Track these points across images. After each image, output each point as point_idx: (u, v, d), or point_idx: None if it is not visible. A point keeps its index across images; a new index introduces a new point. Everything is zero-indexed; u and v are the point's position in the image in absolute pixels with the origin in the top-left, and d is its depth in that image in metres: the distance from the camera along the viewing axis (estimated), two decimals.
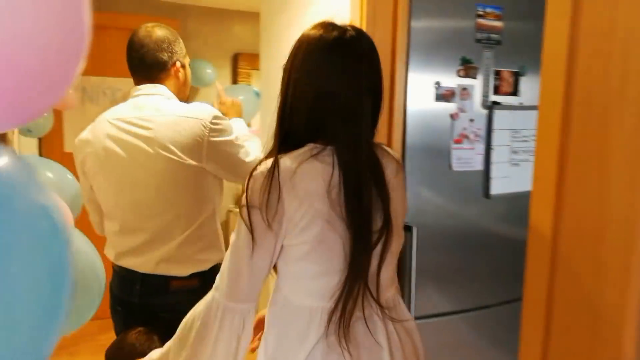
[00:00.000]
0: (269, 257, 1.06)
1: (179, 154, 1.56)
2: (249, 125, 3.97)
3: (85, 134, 1.68)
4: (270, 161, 1.04)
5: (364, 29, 1.74)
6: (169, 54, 1.69)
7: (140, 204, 1.61)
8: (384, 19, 1.83)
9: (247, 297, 1.07)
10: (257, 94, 2.78)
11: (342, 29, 1.08)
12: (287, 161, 1.04)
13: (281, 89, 1.13)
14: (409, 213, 1.77)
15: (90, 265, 1.02)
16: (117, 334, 1.71)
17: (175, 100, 1.70)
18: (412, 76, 1.84)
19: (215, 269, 1.50)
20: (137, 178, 1.59)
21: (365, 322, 1.08)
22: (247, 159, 1.65)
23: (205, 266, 1.65)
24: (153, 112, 1.61)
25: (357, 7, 1.86)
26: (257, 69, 3.09)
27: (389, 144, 1.82)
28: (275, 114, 1.14)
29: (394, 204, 1.09)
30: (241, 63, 4.15)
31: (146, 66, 1.69)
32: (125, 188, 1.61)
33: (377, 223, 1.06)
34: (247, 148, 1.67)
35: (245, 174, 1.07)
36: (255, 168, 1.05)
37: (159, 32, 1.71)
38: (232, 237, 1.07)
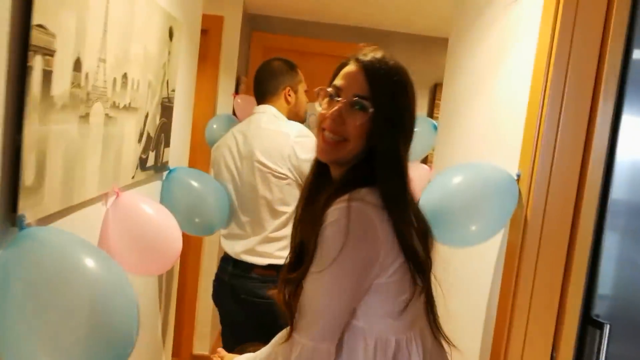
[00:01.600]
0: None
1: (267, 162, 2.04)
2: (427, 162, 3.66)
3: (219, 142, 2.26)
4: (369, 196, 1.04)
5: (554, 52, 1.33)
6: (279, 81, 2.18)
7: (242, 201, 2.10)
8: (585, 43, 1.38)
9: (336, 335, 1.05)
10: (435, 127, 2.46)
11: None
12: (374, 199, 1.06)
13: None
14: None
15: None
16: (215, 304, 2.27)
17: (282, 119, 2.15)
18: (626, 118, 1.36)
19: None
20: (242, 180, 2.10)
21: None
22: None
23: (281, 262, 1.69)
24: (256, 126, 2.11)
25: (548, 30, 1.44)
26: None
27: (579, 197, 1.36)
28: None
29: None
30: (440, 94, 3.84)
31: (261, 90, 2.21)
32: (235, 186, 2.12)
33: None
34: None
35: None
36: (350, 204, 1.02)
37: (275, 63, 2.23)
38: (324, 278, 1.01)
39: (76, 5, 1.07)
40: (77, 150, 1.16)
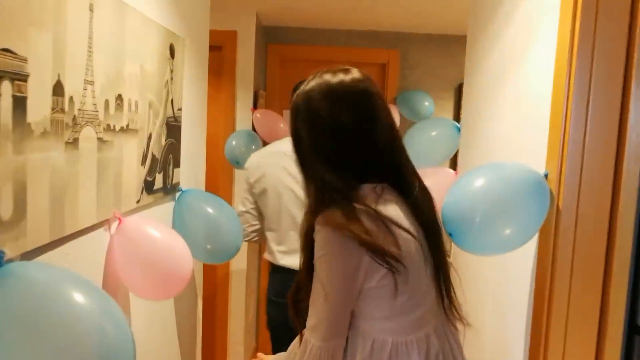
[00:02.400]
0: None
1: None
2: (456, 165, 3.51)
3: (261, 159, 2.32)
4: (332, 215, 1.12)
5: (577, 35, 1.21)
6: None
7: (294, 219, 2.16)
8: (611, 23, 1.25)
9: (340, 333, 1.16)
10: (458, 129, 2.34)
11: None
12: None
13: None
14: None
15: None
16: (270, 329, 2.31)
17: None
18: None
19: None
20: (295, 198, 2.19)
21: None
22: None
23: None
24: None
25: (569, 13, 1.31)
26: None
27: (615, 194, 1.23)
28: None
29: None
30: None
31: None
32: (296, 204, 2.17)
33: None
34: None
35: None
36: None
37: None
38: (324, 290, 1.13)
39: (50, 24, 1.01)
40: (65, 178, 1.10)
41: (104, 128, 1.27)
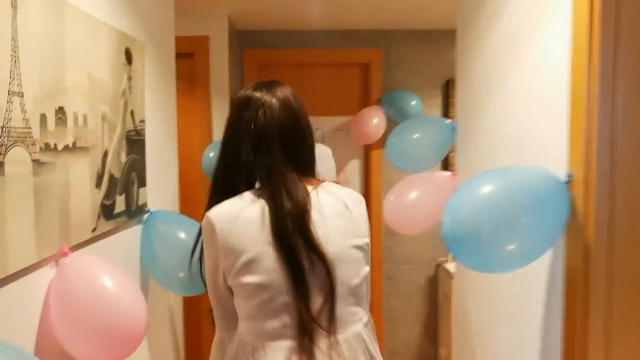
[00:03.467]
0: None
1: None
2: (447, 165, 3.35)
3: None
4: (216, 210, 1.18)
5: (597, 2, 1.02)
6: None
7: None
8: None
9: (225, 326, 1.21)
10: (451, 128, 2.15)
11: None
12: None
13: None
14: None
15: None
16: None
17: None
18: None
19: None
20: None
21: None
22: None
23: None
24: None
25: None
26: None
27: None
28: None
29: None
30: (454, 91, 3.53)
31: None
32: None
33: None
34: None
35: None
36: None
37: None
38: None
39: None
40: None
41: (40, 148, 1.06)
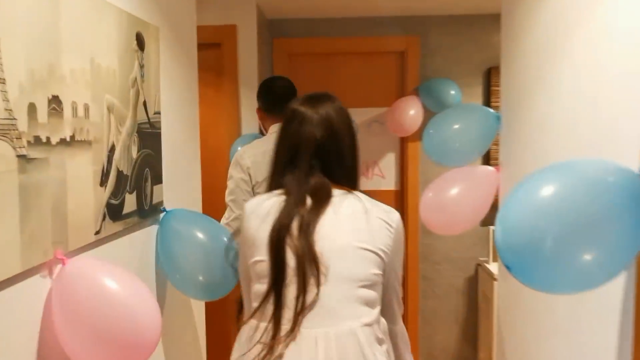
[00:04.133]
0: None
1: None
2: (489, 160, 3.12)
3: (259, 157, 2.02)
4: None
5: None
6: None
7: None
8: None
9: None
10: (498, 119, 1.95)
11: None
12: None
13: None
14: None
15: None
16: None
17: None
18: None
19: None
20: None
21: None
22: None
23: None
24: None
25: None
26: None
27: None
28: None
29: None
30: (496, 79, 3.31)
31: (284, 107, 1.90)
32: None
33: None
34: None
35: None
36: None
37: (288, 79, 2.30)
38: None
39: None
40: None
41: (28, 142, 0.94)
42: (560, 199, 0.90)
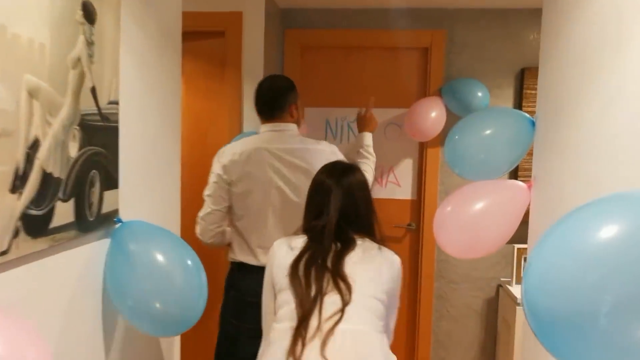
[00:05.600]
0: None
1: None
2: (517, 172, 2.77)
3: (244, 157, 2.08)
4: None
5: None
6: (287, 97, 2.17)
7: (282, 217, 2.09)
8: None
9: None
10: (532, 123, 1.62)
11: None
12: None
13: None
14: None
15: None
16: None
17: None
18: None
19: None
20: (282, 195, 2.09)
21: None
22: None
23: None
24: (301, 144, 2.13)
25: None
26: None
27: None
28: None
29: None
30: (530, 81, 2.97)
31: (273, 106, 2.17)
32: (276, 204, 2.08)
33: None
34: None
35: None
36: None
37: (282, 79, 2.24)
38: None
39: None
40: None
41: None
42: (621, 254, 0.59)
